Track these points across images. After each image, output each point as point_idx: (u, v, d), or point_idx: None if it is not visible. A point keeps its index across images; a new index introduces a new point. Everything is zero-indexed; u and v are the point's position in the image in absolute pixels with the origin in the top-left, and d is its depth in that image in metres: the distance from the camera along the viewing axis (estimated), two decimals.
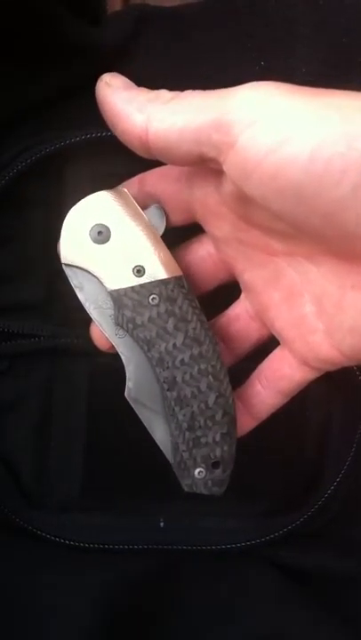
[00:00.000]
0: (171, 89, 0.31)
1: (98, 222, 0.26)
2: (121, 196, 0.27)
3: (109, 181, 0.32)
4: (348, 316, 0.24)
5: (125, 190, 0.27)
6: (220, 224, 0.27)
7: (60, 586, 0.32)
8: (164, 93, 0.23)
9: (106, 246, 0.26)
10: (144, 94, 0.24)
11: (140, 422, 0.34)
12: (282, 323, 0.27)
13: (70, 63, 0.29)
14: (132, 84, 0.25)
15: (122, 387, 0.34)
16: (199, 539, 0.34)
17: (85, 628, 0.30)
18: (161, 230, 0.27)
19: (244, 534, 0.34)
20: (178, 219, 0.28)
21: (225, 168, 0.22)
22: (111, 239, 0.26)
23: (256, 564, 0.35)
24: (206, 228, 0.28)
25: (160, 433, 0.28)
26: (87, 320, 0.34)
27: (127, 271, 0.26)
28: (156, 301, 0.26)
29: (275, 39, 0.31)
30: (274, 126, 0.20)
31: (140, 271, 0.26)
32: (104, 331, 0.28)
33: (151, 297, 0.26)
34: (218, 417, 0.27)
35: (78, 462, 0.34)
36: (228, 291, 0.29)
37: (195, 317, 0.26)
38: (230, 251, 0.27)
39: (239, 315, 0.29)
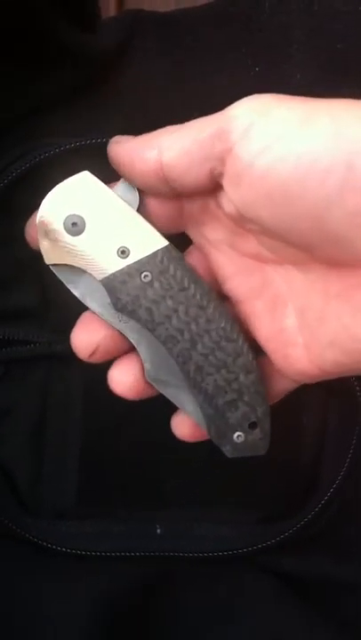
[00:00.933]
0: (165, 95, 0.32)
1: (69, 214, 0.25)
2: (85, 181, 0.26)
3: None
4: (330, 329, 0.24)
5: (87, 172, 0.26)
6: (215, 226, 0.27)
7: (58, 594, 0.32)
8: (170, 127, 0.24)
9: (83, 236, 0.25)
10: (151, 134, 0.24)
11: (136, 428, 0.34)
12: (263, 333, 0.26)
13: (65, 69, 0.29)
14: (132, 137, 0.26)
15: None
16: (196, 545, 0.33)
17: (83, 636, 0.30)
18: (135, 205, 0.26)
19: (241, 541, 0.33)
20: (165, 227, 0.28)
21: (224, 180, 0.23)
22: (87, 227, 0.25)
23: (253, 570, 0.35)
24: (199, 231, 0.27)
25: (189, 406, 0.27)
26: None
27: (112, 255, 0.25)
28: (148, 279, 0.25)
29: (270, 45, 0.31)
30: (266, 129, 0.21)
31: (124, 252, 0.25)
32: (107, 320, 0.27)
33: (143, 275, 0.25)
34: (242, 378, 0.26)
35: (74, 469, 0.34)
36: None
37: (192, 283, 0.25)
38: (220, 256, 0.27)
39: None
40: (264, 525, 0.34)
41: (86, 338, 0.27)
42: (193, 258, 0.28)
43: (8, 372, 0.34)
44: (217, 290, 0.28)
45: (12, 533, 0.33)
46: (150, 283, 0.25)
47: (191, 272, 0.26)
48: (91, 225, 0.25)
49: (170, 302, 0.25)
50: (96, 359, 0.27)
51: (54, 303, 0.34)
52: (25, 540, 0.33)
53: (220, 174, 0.23)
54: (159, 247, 0.25)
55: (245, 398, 0.26)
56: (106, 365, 0.34)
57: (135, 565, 0.34)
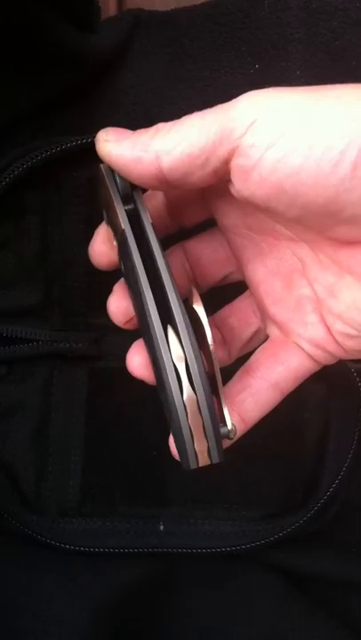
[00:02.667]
0: (164, 92, 0.32)
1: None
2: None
3: None
4: (341, 302, 0.24)
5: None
6: (229, 210, 0.26)
7: (61, 592, 0.32)
8: (161, 126, 0.23)
9: None
10: (143, 134, 0.23)
11: (140, 425, 0.34)
12: (282, 311, 0.26)
13: (65, 69, 0.30)
14: (126, 130, 0.24)
15: (121, 390, 0.34)
16: (199, 542, 0.33)
17: (87, 636, 0.30)
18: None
19: (243, 537, 0.33)
20: (196, 216, 0.28)
21: (231, 176, 0.22)
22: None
23: (256, 567, 0.35)
24: (217, 217, 0.27)
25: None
26: (86, 324, 0.34)
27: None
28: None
29: (268, 43, 0.31)
30: (271, 123, 0.20)
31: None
32: None
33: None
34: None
35: (77, 467, 0.34)
36: (238, 290, 0.29)
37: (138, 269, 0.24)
38: (239, 239, 0.27)
39: (241, 307, 0.29)
40: (266, 522, 0.34)
41: (124, 304, 0.27)
42: (216, 239, 0.28)
43: (11, 370, 0.34)
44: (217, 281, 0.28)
45: (15, 531, 0.33)
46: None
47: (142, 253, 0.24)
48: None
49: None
50: (129, 327, 0.27)
51: (57, 302, 0.34)
52: (29, 537, 0.33)
53: (226, 173, 0.22)
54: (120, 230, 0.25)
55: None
56: (109, 363, 0.34)
57: (139, 563, 0.34)
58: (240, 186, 0.22)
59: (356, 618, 0.34)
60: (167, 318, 0.23)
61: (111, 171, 0.25)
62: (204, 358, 0.23)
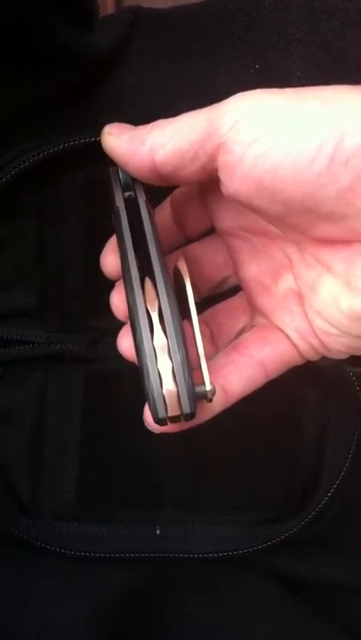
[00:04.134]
0: (164, 92, 0.32)
1: None
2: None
3: (104, 187, 0.32)
4: (320, 299, 0.24)
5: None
6: (224, 211, 0.27)
7: (57, 597, 0.32)
8: (160, 122, 0.24)
9: None
10: (142, 129, 0.24)
11: (136, 429, 0.34)
12: (268, 300, 0.27)
13: (64, 68, 0.29)
14: (129, 126, 0.25)
15: (117, 393, 0.34)
16: (196, 546, 0.33)
17: (84, 639, 0.30)
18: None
19: (241, 542, 0.33)
20: (199, 224, 0.29)
21: (218, 172, 0.23)
22: None
23: (254, 571, 0.35)
24: (214, 220, 0.28)
25: None
26: (82, 327, 0.34)
27: None
28: None
29: (269, 42, 0.30)
30: (255, 121, 0.21)
31: None
32: None
33: None
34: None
35: (73, 470, 0.34)
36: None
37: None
38: (235, 240, 0.28)
39: (232, 306, 0.29)
40: (264, 526, 0.34)
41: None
42: (216, 242, 0.29)
43: (7, 373, 0.34)
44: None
45: (11, 535, 0.33)
46: None
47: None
48: None
49: None
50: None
51: (53, 303, 0.34)
52: (24, 541, 0.33)
53: (214, 169, 0.23)
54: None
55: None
56: (105, 366, 0.34)
57: (135, 567, 0.34)
58: (226, 182, 0.23)
59: (354, 622, 0.34)
60: (147, 272, 0.23)
61: (117, 170, 0.26)
62: (178, 310, 0.23)
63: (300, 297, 0.26)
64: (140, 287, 0.23)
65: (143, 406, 0.34)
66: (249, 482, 0.34)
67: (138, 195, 0.25)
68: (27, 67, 0.29)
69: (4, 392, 0.34)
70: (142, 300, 0.22)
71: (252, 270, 0.27)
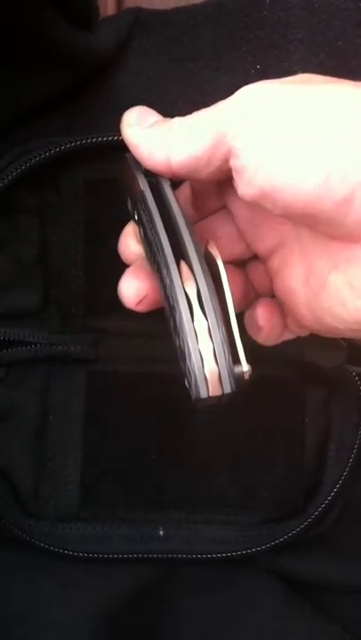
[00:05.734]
0: (164, 92, 0.32)
1: None
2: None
3: (105, 187, 0.32)
4: (329, 297, 0.24)
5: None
6: (238, 202, 0.27)
7: (60, 599, 0.31)
8: (176, 123, 0.24)
9: None
10: (161, 127, 0.25)
11: (138, 430, 0.34)
12: (276, 287, 0.27)
13: (64, 68, 0.29)
14: (150, 112, 0.26)
15: (119, 393, 0.34)
16: (199, 547, 0.33)
17: None
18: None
19: (243, 542, 0.33)
20: (214, 206, 0.29)
21: (232, 172, 0.23)
22: None
23: (256, 572, 0.35)
24: (229, 206, 0.28)
25: None
26: (84, 327, 0.34)
27: None
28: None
29: (270, 42, 0.30)
30: (255, 128, 0.21)
31: None
32: None
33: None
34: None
35: (76, 471, 0.34)
36: None
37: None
38: (247, 225, 0.28)
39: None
40: (267, 527, 0.33)
41: (134, 286, 0.27)
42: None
43: (9, 373, 0.34)
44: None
45: (13, 537, 0.33)
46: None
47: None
48: None
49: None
50: (141, 308, 0.27)
51: (55, 304, 0.34)
52: (27, 543, 0.33)
53: (229, 169, 0.23)
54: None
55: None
56: (107, 367, 0.34)
57: (138, 568, 0.33)
58: (236, 182, 0.23)
59: (358, 622, 0.34)
60: (181, 255, 0.23)
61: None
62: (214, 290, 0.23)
63: (308, 292, 0.26)
64: (176, 269, 0.23)
65: (145, 406, 0.34)
66: (252, 482, 0.34)
67: (162, 179, 0.25)
68: (27, 66, 0.29)
69: (6, 393, 0.33)
70: (180, 282, 0.23)
71: (261, 249, 0.27)
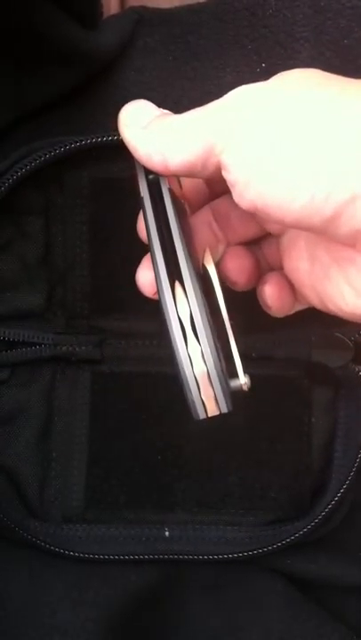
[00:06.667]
0: (169, 91, 0.31)
1: None
2: None
3: (110, 187, 0.32)
4: (331, 287, 0.24)
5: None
6: None
7: (66, 600, 0.31)
8: (173, 125, 0.24)
9: None
10: (156, 130, 0.24)
11: (144, 430, 0.34)
12: (286, 266, 0.27)
13: (68, 67, 0.29)
14: (146, 106, 0.25)
15: (124, 394, 0.34)
16: (204, 548, 0.33)
17: None
18: None
19: (250, 543, 0.33)
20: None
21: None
22: None
23: (261, 572, 0.34)
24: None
25: None
26: (89, 327, 0.34)
27: None
28: None
29: (276, 41, 0.30)
30: (243, 143, 0.21)
31: None
32: None
33: None
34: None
35: (81, 472, 0.34)
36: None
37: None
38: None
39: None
40: (273, 528, 0.33)
41: (151, 275, 0.27)
42: None
43: (14, 374, 0.33)
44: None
45: (19, 538, 0.33)
46: None
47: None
48: None
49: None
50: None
51: (59, 305, 0.34)
52: (33, 544, 0.33)
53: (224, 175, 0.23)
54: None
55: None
56: (112, 367, 0.34)
57: (144, 569, 0.33)
58: (231, 190, 0.23)
59: None
60: (177, 275, 0.24)
61: None
62: (209, 313, 0.24)
63: (313, 277, 0.26)
64: (170, 292, 0.23)
65: (150, 407, 0.34)
66: (258, 483, 0.34)
67: (162, 181, 0.25)
68: (31, 65, 0.29)
69: (11, 393, 0.33)
70: (174, 308, 0.23)
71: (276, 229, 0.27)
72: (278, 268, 0.29)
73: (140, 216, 0.27)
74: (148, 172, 0.25)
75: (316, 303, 0.26)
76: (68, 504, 0.34)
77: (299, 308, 0.29)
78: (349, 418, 0.33)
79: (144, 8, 0.32)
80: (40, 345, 0.33)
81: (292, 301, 0.28)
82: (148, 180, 0.25)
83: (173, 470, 0.34)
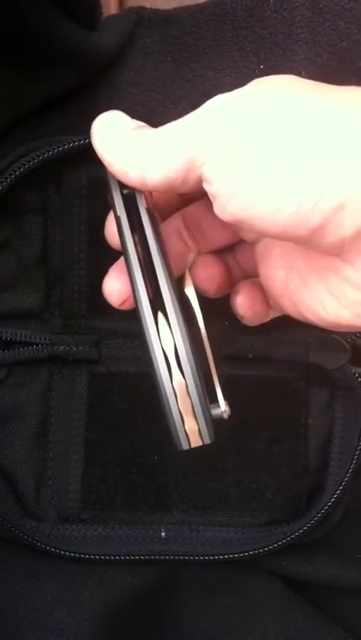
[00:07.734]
0: (167, 92, 0.32)
1: None
2: None
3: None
4: (309, 296, 0.24)
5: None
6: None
7: (62, 600, 0.31)
8: (150, 138, 0.23)
9: None
10: (133, 145, 0.23)
11: (141, 431, 0.34)
12: (261, 274, 0.27)
13: (67, 68, 0.29)
14: (120, 119, 0.25)
15: (121, 394, 0.34)
16: (201, 549, 0.33)
17: None
18: None
19: (246, 544, 0.33)
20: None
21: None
22: None
23: (258, 574, 0.34)
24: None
25: None
26: (86, 327, 0.34)
27: None
28: None
29: (274, 42, 0.30)
30: (223, 157, 0.21)
31: None
32: None
33: None
34: None
35: (77, 472, 0.34)
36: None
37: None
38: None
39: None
40: (270, 529, 0.33)
41: (118, 286, 0.27)
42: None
43: (11, 374, 0.33)
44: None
45: (15, 538, 0.33)
46: None
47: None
48: None
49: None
50: (126, 307, 0.27)
51: (57, 304, 0.34)
52: (29, 544, 0.33)
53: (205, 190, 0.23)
54: None
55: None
56: (109, 367, 0.34)
57: (140, 569, 0.33)
58: (212, 203, 0.23)
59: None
60: (159, 304, 0.24)
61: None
62: (192, 343, 0.24)
63: (290, 286, 0.25)
64: (155, 328, 0.23)
65: (147, 407, 0.34)
66: (255, 484, 0.34)
67: (138, 200, 0.25)
68: (30, 66, 0.28)
69: (7, 393, 0.33)
70: (159, 343, 0.23)
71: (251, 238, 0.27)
72: (254, 275, 0.29)
73: (109, 219, 0.27)
74: (122, 186, 0.24)
75: (291, 312, 0.26)
76: (65, 504, 0.34)
77: (273, 315, 0.29)
78: (346, 419, 0.33)
79: (143, 9, 0.32)
80: (37, 345, 0.33)
81: (265, 310, 0.28)
82: (123, 196, 0.25)
83: (170, 471, 0.34)
